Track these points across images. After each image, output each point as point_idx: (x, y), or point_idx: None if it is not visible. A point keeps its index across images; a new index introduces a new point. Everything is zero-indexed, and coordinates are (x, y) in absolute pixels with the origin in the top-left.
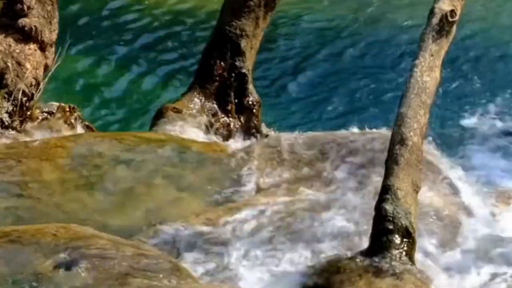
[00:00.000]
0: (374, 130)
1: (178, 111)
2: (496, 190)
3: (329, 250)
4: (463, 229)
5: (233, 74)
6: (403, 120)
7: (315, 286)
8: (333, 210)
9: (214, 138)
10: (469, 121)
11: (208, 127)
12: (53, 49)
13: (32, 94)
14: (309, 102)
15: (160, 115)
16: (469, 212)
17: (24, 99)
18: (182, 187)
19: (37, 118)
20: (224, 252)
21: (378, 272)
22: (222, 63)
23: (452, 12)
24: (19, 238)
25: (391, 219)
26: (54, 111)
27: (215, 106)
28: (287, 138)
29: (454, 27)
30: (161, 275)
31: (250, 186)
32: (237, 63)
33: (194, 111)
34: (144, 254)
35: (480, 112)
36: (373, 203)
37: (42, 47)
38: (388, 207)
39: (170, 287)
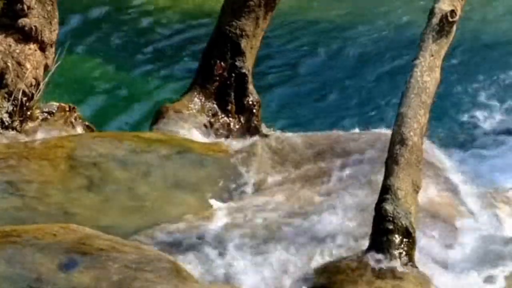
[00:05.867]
0: (374, 130)
1: (178, 111)
2: (495, 190)
3: (329, 250)
4: (463, 229)
5: (233, 74)
6: (403, 120)
7: (315, 286)
8: (333, 210)
9: (214, 138)
10: (468, 121)
11: (208, 127)
12: (53, 49)
13: (32, 94)
14: (310, 102)
15: (160, 115)
16: (468, 212)
17: (24, 99)
18: (182, 187)
19: (37, 118)
20: (224, 252)
21: (378, 272)
22: (222, 63)
23: (452, 12)
24: (19, 238)
25: (391, 219)
26: (54, 111)
27: (215, 106)
28: (287, 138)
29: (454, 27)
30: (161, 275)
31: (250, 186)
32: (237, 63)
33: (194, 111)
34: (144, 254)
35: (479, 111)
36: (373, 203)
37: (42, 47)
38: (388, 207)
39: (170, 287)
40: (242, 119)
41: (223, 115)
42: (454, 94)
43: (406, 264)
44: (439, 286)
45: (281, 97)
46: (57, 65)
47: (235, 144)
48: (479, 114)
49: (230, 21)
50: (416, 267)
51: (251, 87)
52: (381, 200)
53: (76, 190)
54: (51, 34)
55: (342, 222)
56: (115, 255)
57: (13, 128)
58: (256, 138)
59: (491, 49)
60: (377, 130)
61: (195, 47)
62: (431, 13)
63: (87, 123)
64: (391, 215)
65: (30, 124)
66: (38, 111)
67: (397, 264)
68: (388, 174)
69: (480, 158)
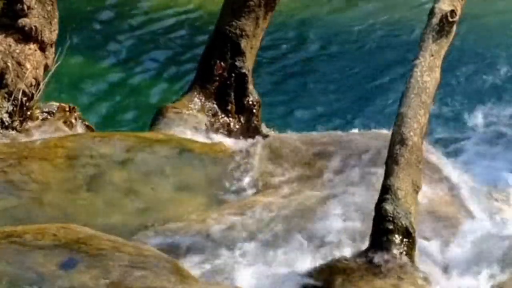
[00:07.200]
0: (374, 130)
1: (178, 111)
2: (495, 189)
3: (329, 250)
4: (463, 229)
5: (233, 74)
6: (403, 120)
7: (315, 286)
8: (333, 210)
9: (214, 138)
10: (468, 121)
11: (208, 127)
12: (53, 49)
13: (32, 94)
14: (310, 102)
15: (160, 115)
16: (468, 212)
17: (24, 99)
18: (182, 187)
19: (37, 118)
20: (224, 252)
21: (378, 272)
22: (222, 63)
23: (452, 12)
24: (20, 239)
25: (391, 219)
26: (54, 111)
27: (215, 106)
28: (287, 138)
29: (454, 27)
30: (161, 275)
31: (250, 186)
32: (237, 63)
33: (194, 111)
34: (144, 254)
35: (479, 111)
36: (373, 203)
37: (42, 47)
38: (388, 207)
39: (170, 287)
40: (242, 119)
41: (223, 115)
42: (454, 94)
43: (406, 264)
44: (439, 286)
45: (281, 97)
46: (57, 65)
47: (235, 144)
48: (479, 113)
49: (230, 21)
50: (416, 267)
51: (251, 87)
52: (381, 200)
53: (76, 190)
54: (51, 34)
55: (342, 222)
56: (115, 255)
57: (13, 128)
58: (256, 138)
59: (490, 47)
60: (377, 130)
61: (195, 47)
62: (431, 13)
63: (87, 123)
64: (391, 215)
65: (30, 124)
66: (38, 111)
67: (397, 264)
68: (388, 174)
69: (480, 158)
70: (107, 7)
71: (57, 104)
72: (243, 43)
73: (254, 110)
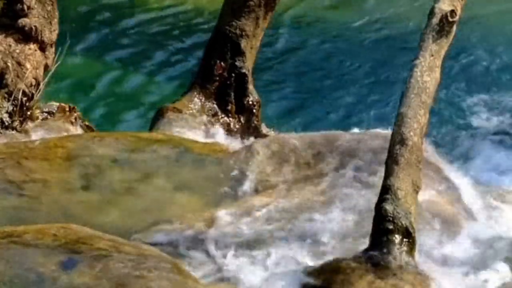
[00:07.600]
0: (374, 130)
1: (178, 111)
2: (495, 189)
3: (329, 250)
4: (463, 229)
5: (233, 74)
6: (403, 120)
7: (315, 286)
8: (333, 210)
9: (214, 138)
10: (469, 121)
11: (208, 127)
12: (53, 49)
13: (32, 94)
14: (309, 102)
15: (160, 115)
16: (468, 212)
17: (24, 99)
18: (181, 187)
19: (37, 118)
20: (224, 252)
21: (378, 272)
22: (222, 63)
23: (452, 12)
24: (20, 239)
25: (391, 219)
26: (54, 111)
27: (215, 106)
28: (287, 138)
29: (454, 27)
30: (161, 275)
31: (249, 186)
32: (237, 63)
33: (194, 111)
34: (144, 254)
35: (479, 111)
36: (373, 203)
37: (42, 47)
38: (388, 207)
39: (170, 287)
40: (242, 119)
41: (223, 115)
42: (454, 95)
43: (406, 264)
44: (439, 286)
45: (281, 97)
46: (57, 65)
47: (235, 144)
48: (479, 114)
49: (230, 21)
50: (416, 267)
51: (251, 87)
52: (381, 200)
53: (76, 190)
54: (51, 34)
55: (342, 222)
56: (115, 255)
57: (13, 128)
58: (256, 138)
59: (490, 49)
60: (377, 130)
61: (195, 47)
62: (431, 13)
63: (87, 123)
64: (391, 215)
65: (30, 124)
66: (38, 111)
67: (397, 264)
68: (388, 174)
69: (480, 158)
70: (107, 7)
71: (57, 104)
72: (243, 43)
73: (254, 110)
